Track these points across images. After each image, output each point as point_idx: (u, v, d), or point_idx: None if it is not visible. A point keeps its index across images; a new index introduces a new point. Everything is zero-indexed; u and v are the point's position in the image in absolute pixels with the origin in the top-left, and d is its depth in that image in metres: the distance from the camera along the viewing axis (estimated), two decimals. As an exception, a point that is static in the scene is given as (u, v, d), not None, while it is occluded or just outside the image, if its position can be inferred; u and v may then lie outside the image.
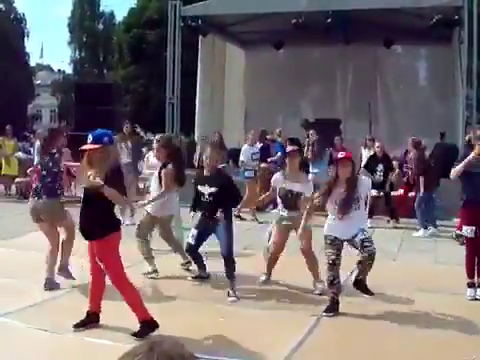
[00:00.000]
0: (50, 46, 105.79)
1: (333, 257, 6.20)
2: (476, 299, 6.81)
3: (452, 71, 15.35)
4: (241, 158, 12.95)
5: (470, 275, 6.93)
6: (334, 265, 6.21)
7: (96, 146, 5.41)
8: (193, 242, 7.18)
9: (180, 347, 1.42)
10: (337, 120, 16.58)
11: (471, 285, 6.90)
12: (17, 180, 16.04)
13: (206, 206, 7.03)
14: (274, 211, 8.66)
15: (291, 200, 7.07)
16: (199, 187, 7.06)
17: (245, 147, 13.07)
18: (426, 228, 11.07)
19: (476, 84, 13.96)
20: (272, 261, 7.39)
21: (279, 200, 7.24)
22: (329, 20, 14.86)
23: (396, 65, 19.56)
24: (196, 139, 16.80)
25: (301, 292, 7.08)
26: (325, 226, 6.35)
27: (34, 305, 6.37)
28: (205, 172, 7.21)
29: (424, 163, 11.55)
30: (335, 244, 6.22)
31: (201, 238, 7.18)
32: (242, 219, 12.11)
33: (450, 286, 7.15)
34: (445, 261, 8.79)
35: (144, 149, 14.12)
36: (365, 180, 6.67)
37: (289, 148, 7.75)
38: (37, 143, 16.23)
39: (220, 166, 8.52)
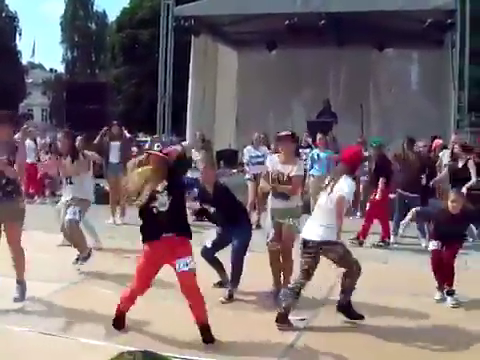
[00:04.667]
0: (42, 45, 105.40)
1: None
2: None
3: (444, 74, 15.38)
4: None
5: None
6: None
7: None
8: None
9: None
10: (329, 122, 16.53)
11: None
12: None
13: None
14: None
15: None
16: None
17: (248, 148, 12.02)
18: (396, 234, 10.21)
19: (468, 87, 14.01)
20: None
21: None
22: (322, 22, 14.87)
23: (388, 68, 19.56)
24: (187, 139, 16.71)
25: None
26: None
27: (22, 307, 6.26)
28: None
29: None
30: None
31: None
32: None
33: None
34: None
35: (134, 148, 13.92)
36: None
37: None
38: (27, 141, 16.15)
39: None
